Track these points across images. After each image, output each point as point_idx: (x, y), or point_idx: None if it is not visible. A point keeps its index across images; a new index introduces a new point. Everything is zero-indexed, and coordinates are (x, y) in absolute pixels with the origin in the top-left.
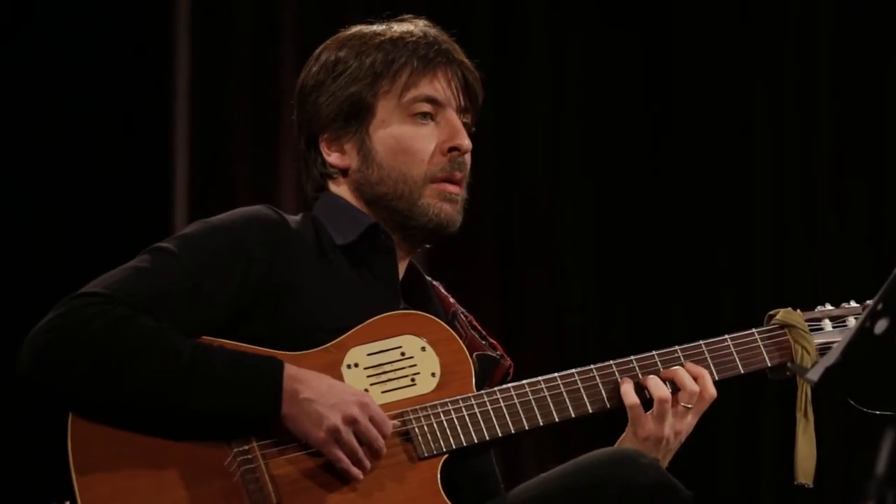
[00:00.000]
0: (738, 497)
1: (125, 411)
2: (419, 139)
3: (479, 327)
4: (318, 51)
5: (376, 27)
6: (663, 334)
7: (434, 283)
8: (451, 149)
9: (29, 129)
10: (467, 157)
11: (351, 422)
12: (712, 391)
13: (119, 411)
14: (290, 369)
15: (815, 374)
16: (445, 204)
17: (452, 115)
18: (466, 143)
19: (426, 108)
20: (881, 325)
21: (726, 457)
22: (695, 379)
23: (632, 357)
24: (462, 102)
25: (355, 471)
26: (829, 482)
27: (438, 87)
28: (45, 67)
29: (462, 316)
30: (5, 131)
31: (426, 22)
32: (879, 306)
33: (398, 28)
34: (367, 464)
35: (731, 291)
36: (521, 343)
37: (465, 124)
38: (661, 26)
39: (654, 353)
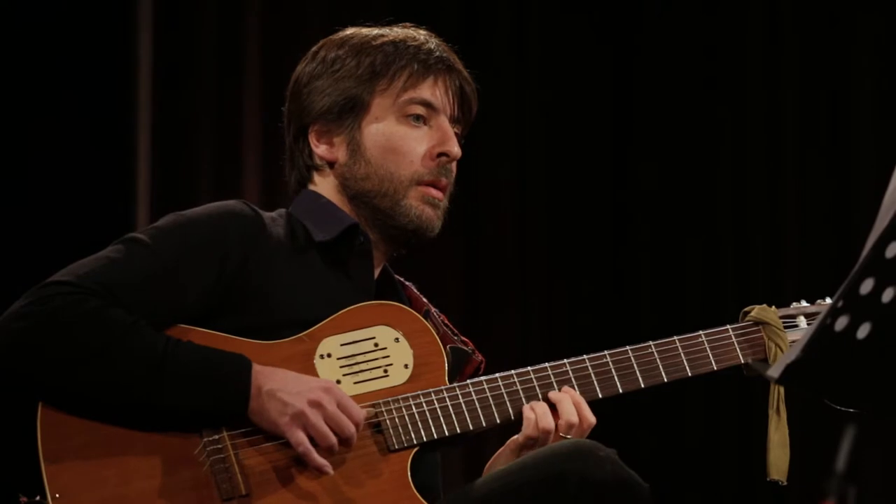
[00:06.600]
0: (699, 491)
1: (94, 403)
2: (410, 140)
3: (451, 326)
4: (315, 48)
5: (378, 30)
6: (629, 334)
7: (406, 283)
8: (441, 154)
9: None
10: (453, 166)
11: (316, 405)
12: (591, 420)
13: (88, 402)
14: (257, 366)
15: (775, 371)
16: (427, 207)
17: (445, 122)
18: (456, 150)
19: (420, 110)
20: (841, 323)
21: (690, 449)
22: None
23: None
24: (456, 112)
25: (318, 458)
26: (789, 479)
27: (436, 92)
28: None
29: (435, 315)
30: None
31: (428, 31)
32: (840, 304)
33: (401, 32)
34: (335, 448)
35: (696, 293)
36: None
37: (455, 134)
38: (627, 34)
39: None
